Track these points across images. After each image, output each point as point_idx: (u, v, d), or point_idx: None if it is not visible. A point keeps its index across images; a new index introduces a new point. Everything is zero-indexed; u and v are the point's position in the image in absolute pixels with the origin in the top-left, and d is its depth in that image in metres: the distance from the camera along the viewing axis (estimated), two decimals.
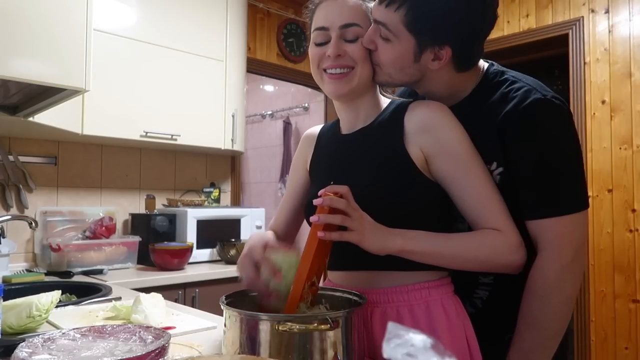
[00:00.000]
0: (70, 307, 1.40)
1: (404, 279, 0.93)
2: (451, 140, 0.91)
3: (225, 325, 0.83)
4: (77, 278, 2.11)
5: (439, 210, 0.97)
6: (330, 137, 1.10)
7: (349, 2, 0.95)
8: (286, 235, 1.17)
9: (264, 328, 0.76)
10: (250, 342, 0.77)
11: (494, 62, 1.06)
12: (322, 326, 0.75)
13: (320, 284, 0.93)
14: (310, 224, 0.97)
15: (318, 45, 0.97)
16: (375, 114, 1.01)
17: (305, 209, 1.09)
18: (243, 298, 0.94)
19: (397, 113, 0.97)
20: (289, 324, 0.74)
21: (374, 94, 1.02)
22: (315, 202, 0.82)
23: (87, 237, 2.37)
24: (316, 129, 1.17)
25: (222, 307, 0.83)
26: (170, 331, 1.14)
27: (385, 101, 1.04)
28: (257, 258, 0.89)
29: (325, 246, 0.84)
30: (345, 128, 1.06)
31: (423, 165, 0.93)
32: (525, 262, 0.93)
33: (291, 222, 1.18)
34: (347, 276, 1.00)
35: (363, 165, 0.98)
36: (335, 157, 1.06)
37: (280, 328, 0.74)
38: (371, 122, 1.01)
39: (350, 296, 0.93)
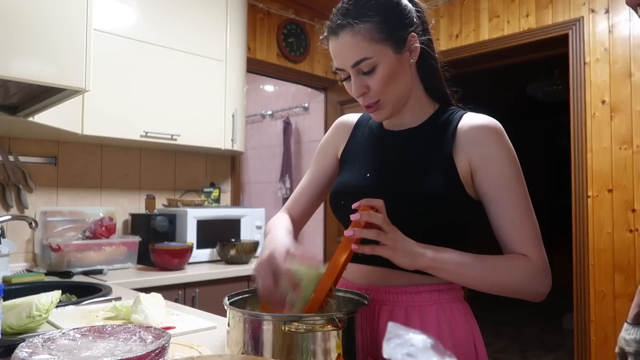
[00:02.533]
0: (70, 307, 1.40)
1: (416, 279, 0.93)
2: (500, 158, 0.91)
3: (228, 325, 0.83)
4: (77, 278, 2.11)
5: (465, 229, 0.97)
6: (371, 129, 1.08)
7: (348, 39, 0.91)
8: (301, 218, 1.15)
9: (268, 328, 0.76)
10: (253, 342, 0.77)
11: None
12: (329, 326, 0.75)
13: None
14: (335, 211, 0.99)
15: (343, 81, 0.98)
16: (424, 116, 1.01)
17: (331, 197, 1.06)
18: (245, 298, 0.94)
19: (450, 121, 0.97)
20: (296, 324, 0.74)
21: (418, 96, 1.01)
22: (353, 217, 0.82)
23: (87, 237, 2.36)
24: (354, 117, 1.15)
25: (225, 307, 0.83)
26: (170, 331, 1.14)
27: (434, 102, 1.03)
28: (276, 267, 0.86)
29: (350, 256, 0.84)
30: (390, 124, 1.05)
31: (466, 179, 0.93)
32: None
33: (310, 207, 1.16)
34: (362, 270, 0.99)
35: (405, 165, 0.97)
36: (375, 151, 1.04)
37: (287, 328, 0.74)
38: (421, 124, 1.00)
39: (352, 296, 0.93)
